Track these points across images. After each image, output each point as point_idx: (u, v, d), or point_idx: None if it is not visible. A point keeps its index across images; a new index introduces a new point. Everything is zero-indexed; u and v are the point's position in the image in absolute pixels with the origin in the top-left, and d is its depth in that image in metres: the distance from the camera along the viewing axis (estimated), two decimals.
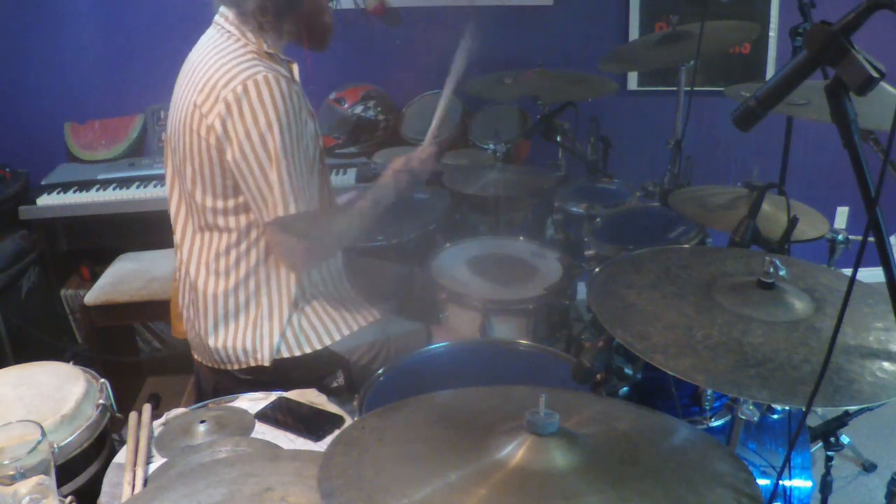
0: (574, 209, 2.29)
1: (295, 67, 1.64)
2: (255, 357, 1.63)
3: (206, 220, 1.58)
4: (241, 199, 1.54)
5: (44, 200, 2.67)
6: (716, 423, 1.45)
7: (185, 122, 1.51)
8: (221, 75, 1.46)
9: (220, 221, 1.57)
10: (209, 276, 1.62)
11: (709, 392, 1.41)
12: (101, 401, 1.31)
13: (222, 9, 1.55)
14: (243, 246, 1.59)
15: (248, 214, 1.56)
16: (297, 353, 1.66)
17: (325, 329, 1.68)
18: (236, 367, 1.66)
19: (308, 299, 1.68)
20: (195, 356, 1.76)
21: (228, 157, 1.47)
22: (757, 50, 3.20)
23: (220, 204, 1.55)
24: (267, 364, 1.63)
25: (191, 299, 1.68)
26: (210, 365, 1.70)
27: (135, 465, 1.18)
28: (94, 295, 2.50)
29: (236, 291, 1.61)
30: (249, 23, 1.52)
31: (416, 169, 1.74)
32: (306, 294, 1.67)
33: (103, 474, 1.19)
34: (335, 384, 1.72)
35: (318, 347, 1.67)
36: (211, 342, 1.65)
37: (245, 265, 1.60)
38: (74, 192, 2.71)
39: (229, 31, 1.53)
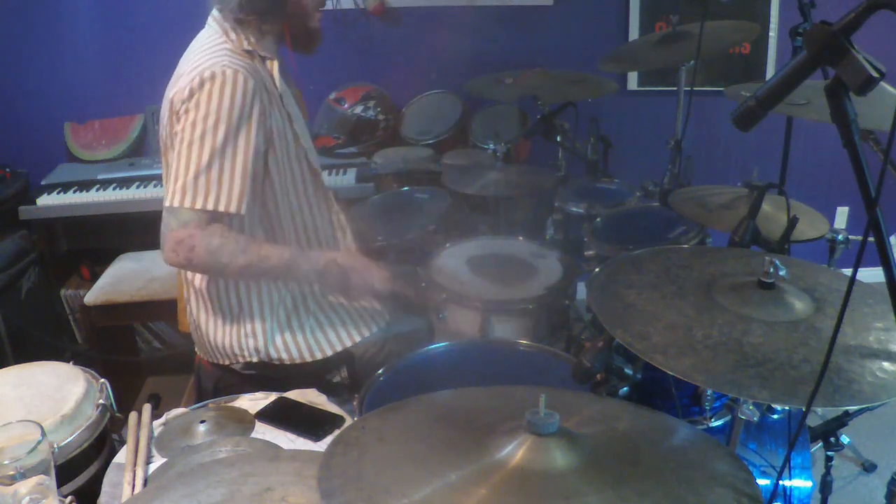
0: (574, 209, 2.28)
1: (275, 65, 1.60)
2: (243, 355, 1.64)
3: None
4: None
5: (44, 200, 2.67)
6: (716, 423, 1.45)
7: (164, 118, 1.53)
8: (190, 69, 1.46)
9: None
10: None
11: (709, 392, 1.41)
12: (101, 401, 1.31)
13: (214, 10, 1.56)
14: None
15: None
16: (309, 359, 1.66)
17: (337, 335, 1.68)
18: (230, 362, 1.66)
19: (321, 303, 1.68)
20: (197, 352, 1.77)
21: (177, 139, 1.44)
22: (757, 50, 3.20)
23: None
24: (255, 360, 1.63)
25: (188, 294, 1.70)
26: (211, 360, 1.71)
27: (135, 465, 1.18)
28: (94, 295, 2.50)
29: (227, 287, 1.62)
30: (229, 19, 1.53)
31: (356, 282, 1.57)
32: (318, 298, 1.67)
33: (103, 474, 1.19)
34: (337, 379, 1.72)
35: (329, 354, 1.67)
36: (206, 336, 1.66)
37: None
38: (74, 192, 2.71)
39: (216, 30, 1.54)
